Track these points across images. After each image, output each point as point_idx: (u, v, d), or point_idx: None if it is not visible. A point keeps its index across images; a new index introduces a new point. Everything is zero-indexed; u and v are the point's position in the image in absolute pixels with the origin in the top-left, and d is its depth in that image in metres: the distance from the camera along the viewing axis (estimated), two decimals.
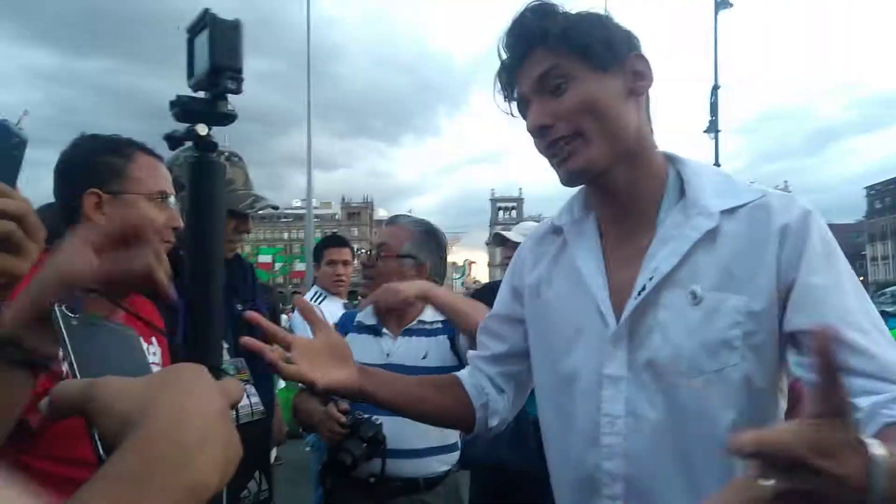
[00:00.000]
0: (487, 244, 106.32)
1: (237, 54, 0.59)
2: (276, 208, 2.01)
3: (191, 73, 0.59)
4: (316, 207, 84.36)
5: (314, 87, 15.62)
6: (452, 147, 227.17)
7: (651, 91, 0.95)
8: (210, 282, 0.56)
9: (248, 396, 1.59)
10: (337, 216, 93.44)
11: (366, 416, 1.67)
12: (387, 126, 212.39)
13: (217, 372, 0.51)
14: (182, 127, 0.62)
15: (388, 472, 1.67)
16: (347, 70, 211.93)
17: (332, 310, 2.95)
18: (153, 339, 1.22)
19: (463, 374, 1.17)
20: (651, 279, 0.88)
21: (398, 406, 1.08)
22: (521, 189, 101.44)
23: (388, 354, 1.78)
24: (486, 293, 2.71)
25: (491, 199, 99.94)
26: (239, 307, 1.75)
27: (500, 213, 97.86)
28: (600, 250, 0.97)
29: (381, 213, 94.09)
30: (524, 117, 0.95)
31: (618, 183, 0.93)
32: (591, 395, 0.91)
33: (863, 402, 0.74)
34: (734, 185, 0.92)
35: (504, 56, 0.97)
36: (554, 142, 0.90)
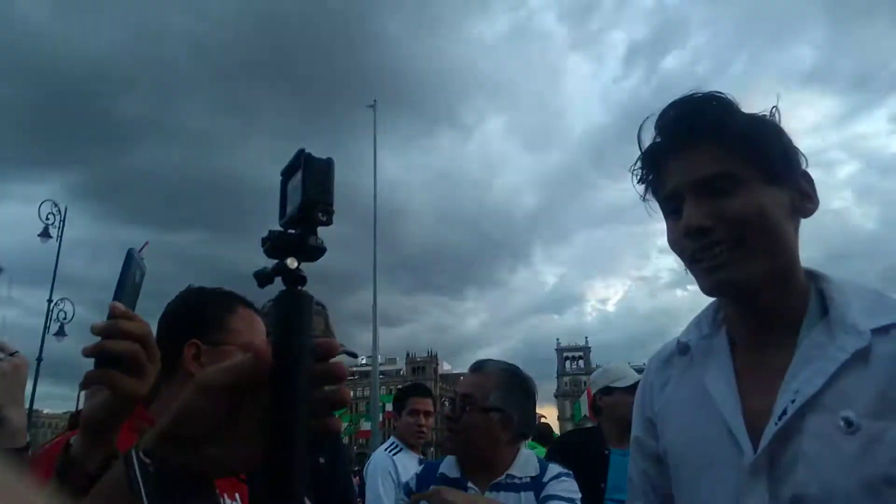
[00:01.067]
0: (556, 396, 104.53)
1: (328, 189, 0.59)
2: (354, 355, 2.04)
3: (282, 214, 0.59)
4: (381, 364, 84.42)
5: (379, 247, 16.21)
6: (514, 299, 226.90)
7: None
8: (295, 424, 0.51)
9: None
10: (402, 371, 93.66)
11: None
12: (450, 281, 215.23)
13: None
14: (272, 263, 0.61)
15: None
16: (411, 228, 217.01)
17: (407, 463, 2.89)
18: (236, 495, 1.18)
19: None
20: (793, 402, 0.81)
21: None
22: (587, 338, 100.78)
23: None
24: (559, 450, 2.62)
25: (557, 349, 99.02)
26: (321, 460, 1.73)
27: (567, 362, 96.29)
28: (732, 370, 0.90)
29: (446, 367, 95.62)
30: (666, 208, 0.90)
31: (763, 301, 0.87)
32: None
33: None
34: (886, 301, 0.86)
35: (657, 136, 0.91)
36: (709, 245, 0.84)
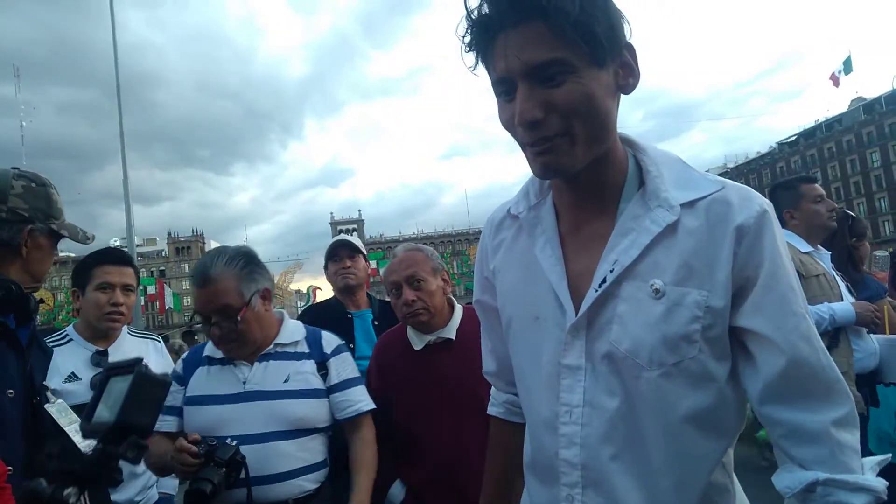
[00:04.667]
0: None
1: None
2: (86, 240, 1.67)
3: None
4: (139, 245, 79.37)
5: (128, 116, 14.36)
6: (286, 173, 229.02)
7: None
8: None
9: None
10: (164, 252, 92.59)
11: (218, 440, 1.62)
12: (214, 155, 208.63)
13: None
14: None
15: (256, 498, 1.66)
16: (166, 98, 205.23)
17: (73, 356, 2.13)
18: None
19: (498, 409, 1.22)
20: (612, 271, 0.89)
21: None
22: (360, 211, 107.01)
23: (244, 382, 1.78)
24: (308, 313, 2.92)
25: (330, 223, 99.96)
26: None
27: (342, 236, 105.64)
28: (558, 237, 0.98)
29: (214, 245, 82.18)
30: (497, 89, 0.90)
31: (586, 178, 0.92)
32: (551, 385, 0.94)
33: (793, 479, 0.85)
34: (693, 175, 0.92)
35: (484, 4, 0.87)
36: (540, 135, 0.86)
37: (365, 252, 3.01)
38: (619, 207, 0.94)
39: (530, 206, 1.04)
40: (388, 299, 2.29)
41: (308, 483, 1.80)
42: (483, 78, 0.92)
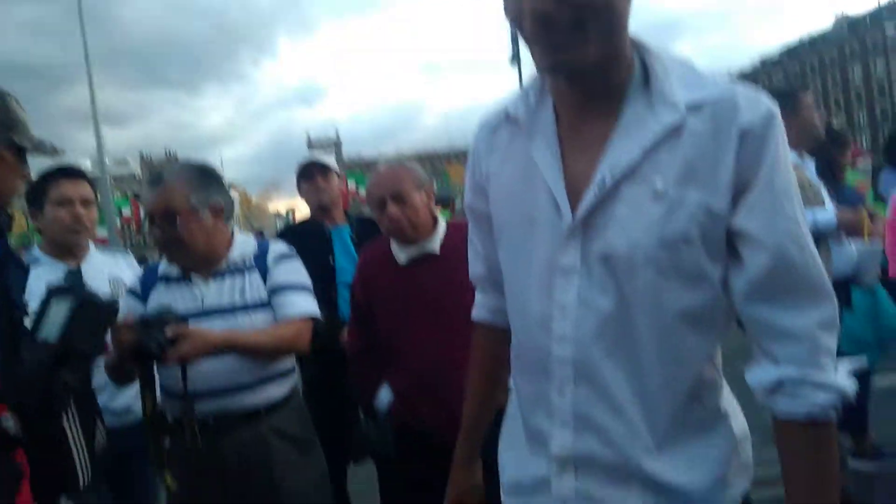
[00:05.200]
0: None
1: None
2: (55, 152, 1.58)
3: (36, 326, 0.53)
4: (110, 167, 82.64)
5: (94, 33, 14.07)
6: (261, 93, 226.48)
7: None
8: None
9: None
10: (137, 174, 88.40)
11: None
12: (184, 74, 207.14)
13: None
14: None
15: (223, 409, 1.73)
16: (132, 14, 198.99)
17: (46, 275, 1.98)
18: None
19: (482, 313, 1.22)
20: (612, 172, 0.86)
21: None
22: (337, 131, 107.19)
23: (202, 300, 1.79)
24: (287, 233, 2.94)
25: (307, 143, 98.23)
26: None
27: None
28: (557, 139, 0.95)
29: None
30: None
31: (592, 77, 0.89)
32: (545, 286, 0.93)
33: (766, 374, 0.85)
34: (700, 75, 0.89)
35: None
36: (550, 28, 0.82)
37: (337, 170, 3.01)
38: (622, 108, 0.90)
39: (529, 108, 0.99)
40: (368, 216, 2.24)
41: (277, 389, 1.85)
42: None
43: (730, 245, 0.88)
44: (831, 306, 0.86)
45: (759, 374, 0.88)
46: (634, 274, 0.87)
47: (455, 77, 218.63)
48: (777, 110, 0.87)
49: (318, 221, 2.87)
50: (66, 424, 1.46)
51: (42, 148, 1.58)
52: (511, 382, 1.09)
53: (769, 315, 0.86)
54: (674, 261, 0.86)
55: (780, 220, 0.84)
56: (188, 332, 1.62)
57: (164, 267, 1.92)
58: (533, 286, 0.97)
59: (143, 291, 1.91)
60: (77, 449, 1.51)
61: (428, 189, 2.08)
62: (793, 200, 0.86)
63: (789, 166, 0.87)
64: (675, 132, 0.85)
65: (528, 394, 1.02)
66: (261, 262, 1.90)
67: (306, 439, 1.93)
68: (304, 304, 1.90)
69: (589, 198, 0.89)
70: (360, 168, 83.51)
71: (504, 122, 1.05)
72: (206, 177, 1.86)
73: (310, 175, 2.87)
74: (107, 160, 14.64)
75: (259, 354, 1.77)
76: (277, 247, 1.98)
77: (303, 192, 2.94)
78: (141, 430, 1.74)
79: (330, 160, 2.95)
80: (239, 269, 1.88)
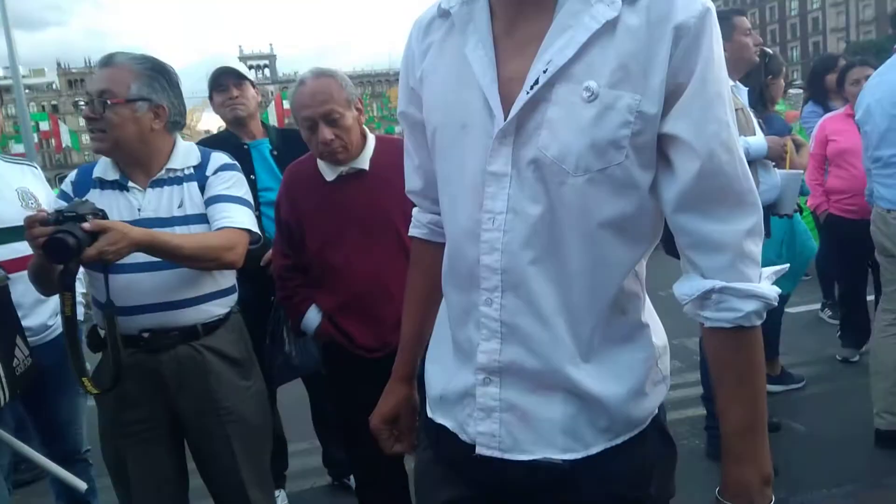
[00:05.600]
0: None
1: None
2: None
3: None
4: (26, 76, 69.39)
5: None
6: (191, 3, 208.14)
7: None
8: None
9: None
10: (55, 85, 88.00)
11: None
12: None
13: None
14: None
15: (161, 324, 1.69)
16: None
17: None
18: None
19: (420, 230, 1.20)
20: (545, 72, 0.83)
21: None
22: (271, 45, 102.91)
23: (139, 210, 1.71)
24: (209, 142, 2.68)
25: (239, 58, 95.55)
26: None
27: (252, 72, 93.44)
28: (491, 37, 0.91)
29: None
30: None
31: None
32: (475, 193, 0.91)
33: (692, 287, 0.86)
34: None
35: None
36: None
37: (252, 78, 2.79)
38: (557, 4, 0.85)
39: (463, 2, 0.94)
40: (288, 128, 2.08)
41: (216, 308, 1.80)
42: None
43: (660, 151, 0.86)
44: (757, 214, 0.87)
45: (687, 287, 0.89)
46: (563, 179, 0.84)
47: None
48: (713, 7, 0.83)
49: (234, 135, 2.68)
50: None
51: None
52: (444, 293, 1.07)
53: (697, 225, 0.86)
54: (603, 167, 0.83)
55: (710, 123, 0.82)
56: (108, 226, 1.49)
57: (100, 169, 1.78)
58: (465, 195, 0.94)
59: (74, 193, 1.77)
60: None
61: (358, 103, 1.99)
62: (724, 103, 0.83)
63: (722, 67, 0.84)
64: (609, 28, 0.82)
65: (456, 305, 1.01)
66: (200, 173, 1.80)
67: (245, 360, 1.88)
68: (239, 216, 1.78)
69: (521, 99, 0.85)
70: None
71: (437, 19, 1.00)
72: (160, 74, 1.74)
73: (223, 85, 2.64)
74: (21, 68, 13.61)
75: (183, 260, 1.66)
76: (218, 156, 1.87)
77: (215, 105, 2.72)
78: (57, 345, 1.66)
79: (241, 66, 2.72)
80: (178, 179, 1.78)
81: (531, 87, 0.84)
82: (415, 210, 1.23)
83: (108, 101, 1.64)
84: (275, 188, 2.27)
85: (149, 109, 1.71)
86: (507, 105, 0.87)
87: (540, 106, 0.85)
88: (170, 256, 1.64)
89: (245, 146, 2.62)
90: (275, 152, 2.68)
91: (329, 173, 2.01)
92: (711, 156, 0.82)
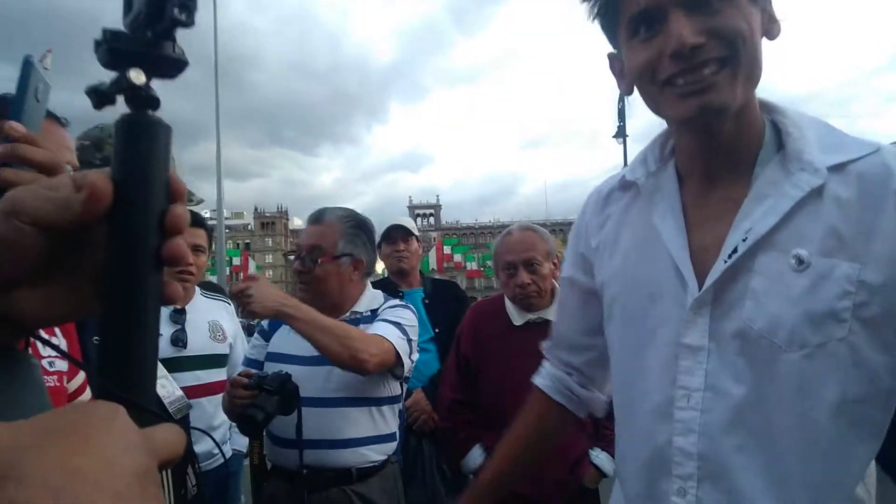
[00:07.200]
0: None
1: None
2: (200, 201, 2.01)
3: (128, 9, 0.45)
4: (227, 218, 75.42)
5: (225, 95, 16.52)
6: (370, 155, 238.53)
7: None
8: (142, 282, 0.42)
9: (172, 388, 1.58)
10: (250, 226, 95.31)
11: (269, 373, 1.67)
12: (302, 135, 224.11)
13: (144, 413, 0.38)
14: (111, 76, 0.45)
15: (319, 462, 1.73)
16: (261, 77, 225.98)
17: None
18: (56, 330, 1.17)
19: (544, 381, 1.18)
20: (745, 240, 0.81)
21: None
22: (438, 196, 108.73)
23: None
24: (383, 284, 2.92)
25: (409, 207, 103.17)
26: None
27: (419, 220, 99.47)
28: (680, 205, 0.91)
29: (297, 223, 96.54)
30: (631, 28, 0.85)
31: (725, 130, 0.85)
32: (667, 367, 0.87)
33: None
34: (841, 137, 0.85)
35: None
36: (696, 66, 0.79)
37: (417, 234, 3.16)
38: (753, 173, 0.87)
39: (649, 172, 0.97)
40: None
41: (373, 453, 1.84)
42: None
43: None
44: None
45: None
46: (775, 356, 0.80)
47: (555, 149, 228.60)
48: None
49: (393, 283, 3.01)
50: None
51: (190, 197, 1.76)
52: (620, 479, 1.04)
53: None
54: (822, 341, 0.78)
55: None
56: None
57: None
58: (651, 368, 0.92)
59: (270, 328, 2.00)
60: (166, 493, 1.41)
61: (555, 258, 2.21)
62: None
63: None
64: (815, 196, 0.81)
65: (638, 493, 0.96)
66: (376, 312, 1.94)
67: None
68: (389, 331, 1.83)
69: (718, 268, 0.85)
70: (457, 234, 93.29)
71: (618, 190, 1.04)
72: (359, 229, 1.96)
73: (391, 238, 3.00)
74: (224, 211, 15.76)
75: (319, 331, 1.70)
76: (396, 301, 2.03)
77: (382, 254, 3.01)
78: (218, 475, 2.01)
79: (410, 223, 3.09)
80: (356, 321, 1.91)
81: (729, 256, 0.84)
82: (546, 364, 1.26)
83: (319, 260, 1.87)
84: (423, 335, 2.46)
85: (350, 263, 1.92)
86: (700, 275, 0.87)
87: (740, 275, 0.84)
88: (310, 321, 1.71)
89: (401, 294, 2.92)
90: (426, 300, 3.03)
91: (517, 318, 2.20)
92: None
